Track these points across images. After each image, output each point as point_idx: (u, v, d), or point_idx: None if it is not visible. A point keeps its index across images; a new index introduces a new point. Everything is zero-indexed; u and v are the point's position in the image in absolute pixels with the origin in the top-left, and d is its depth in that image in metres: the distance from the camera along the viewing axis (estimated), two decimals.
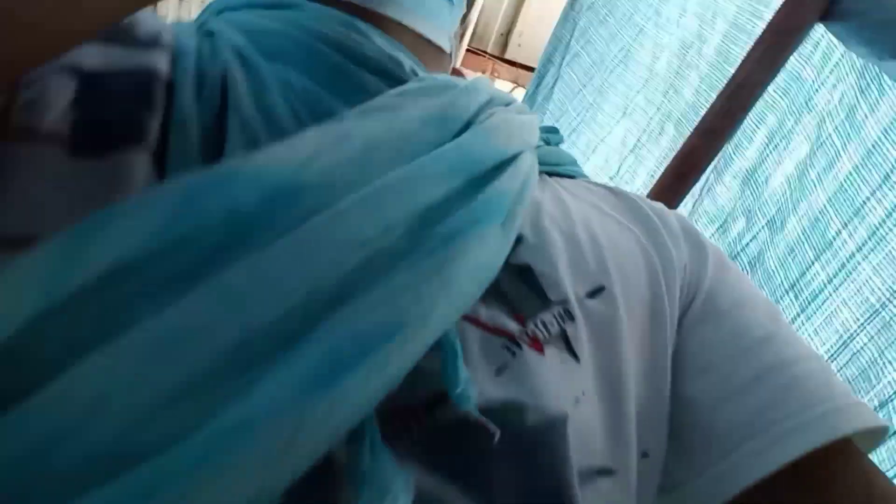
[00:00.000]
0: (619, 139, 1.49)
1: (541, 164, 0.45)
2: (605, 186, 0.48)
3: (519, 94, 2.43)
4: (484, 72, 2.49)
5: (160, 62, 0.34)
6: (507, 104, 0.42)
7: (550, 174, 0.47)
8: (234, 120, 0.32)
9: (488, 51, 2.52)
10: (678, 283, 0.41)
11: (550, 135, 0.51)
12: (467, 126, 0.36)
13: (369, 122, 0.32)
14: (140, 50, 0.34)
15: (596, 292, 0.38)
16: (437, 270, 0.28)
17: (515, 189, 0.34)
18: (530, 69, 1.96)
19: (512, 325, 0.34)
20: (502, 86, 2.56)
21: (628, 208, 0.45)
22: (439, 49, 0.48)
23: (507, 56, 2.58)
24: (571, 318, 0.36)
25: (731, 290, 0.43)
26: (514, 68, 2.52)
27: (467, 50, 2.43)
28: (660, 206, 0.47)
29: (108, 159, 0.29)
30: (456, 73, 0.58)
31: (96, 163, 0.29)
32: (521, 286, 0.35)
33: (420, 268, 0.28)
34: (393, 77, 0.40)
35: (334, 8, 0.42)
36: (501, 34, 2.55)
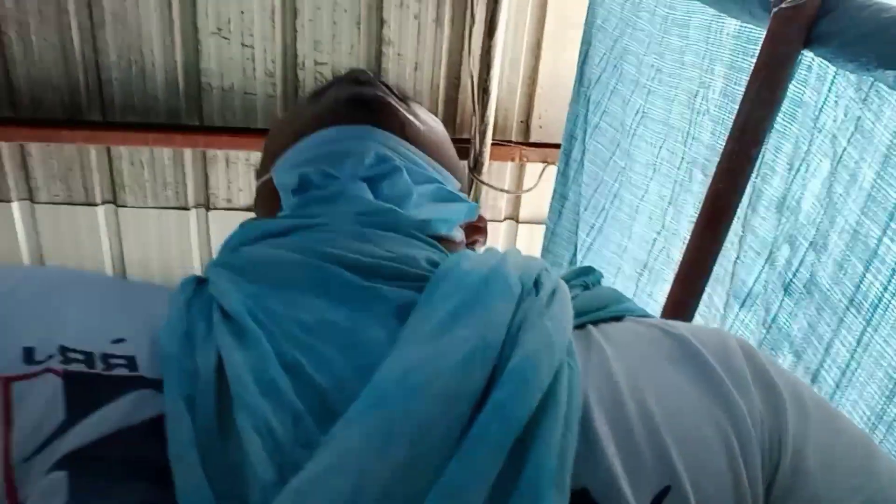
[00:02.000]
0: (655, 195, 1.53)
1: (583, 314, 0.43)
2: (656, 325, 0.45)
3: (550, 171, 2.50)
4: (513, 160, 2.58)
5: (141, 413, 0.34)
6: (536, 291, 0.41)
7: (596, 322, 0.45)
8: (242, 415, 0.33)
9: (513, 139, 2.62)
10: (758, 449, 0.37)
11: (587, 277, 0.49)
12: (508, 332, 0.36)
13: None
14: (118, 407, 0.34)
15: (661, 496, 0.34)
16: None
17: (557, 440, 0.33)
18: (557, 146, 2.04)
19: None
20: (533, 168, 2.64)
21: (685, 356, 0.41)
22: (451, 240, 0.52)
23: (532, 139, 2.67)
24: None
25: (817, 439, 0.38)
26: (541, 149, 2.60)
27: (493, 143, 2.54)
28: (720, 342, 0.42)
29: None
30: (472, 237, 0.61)
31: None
32: None
33: None
34: (409, 277, 0.42)
35: (352, 218, 0.46)
36: (521, 121, 2.65)
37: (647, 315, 0.48)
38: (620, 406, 0.37)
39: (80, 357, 0.36)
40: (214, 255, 0.48)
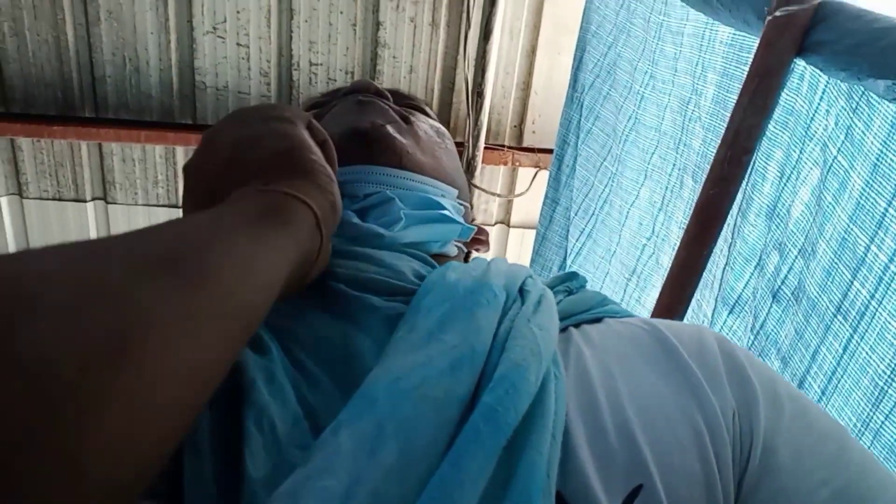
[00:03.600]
0: (646, 200, 1.54)
1: (567, 317, 0.45)
2: (635, 323, 0.46)
3: (542, 175, 2.51)
4: (505, 164, 2.58)
5: None
6: (521, 299, 0.42)
7: (578, 324, 0.46)
8: (249, 412, 0.34)
9: (506, 144, 2.63)
10: (729, 443, 0.38)
11: (570, 282, 0.51)
12: (495, 339, 0.37)
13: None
14: None
15: (633, 496, 0.35)
16: None
17: (547, 449, 0.33)
18: (549, 151, 2.05)
19: None
20: (525, 173, 2.65)
21: (661, 353, 0.42)
22: (445, 256, 0.54)
23: (525, 144, 2.68)
24: None
25: (788, 433, 0.39)
26: (533, 154, 2.61)
27: (486, 147, 2.54)
28: (696, 338, 0.44)
29: None
30: (473, 246, 0.62)
31: None
32: None
33: None
34: (397, 290, 0.44)
35: (342, 237, 0.47)
36: (515, 126, 2.66)
37: (629, 315, 0.49)
38: (595, 409, 0.38)
39: None
40: None
